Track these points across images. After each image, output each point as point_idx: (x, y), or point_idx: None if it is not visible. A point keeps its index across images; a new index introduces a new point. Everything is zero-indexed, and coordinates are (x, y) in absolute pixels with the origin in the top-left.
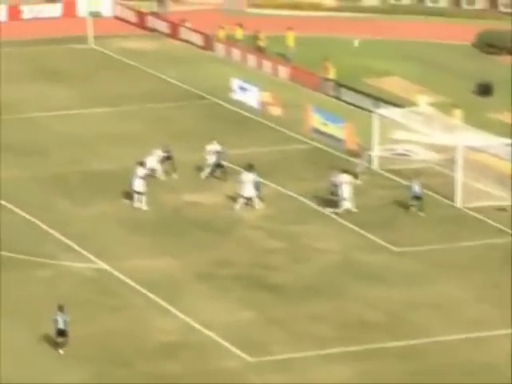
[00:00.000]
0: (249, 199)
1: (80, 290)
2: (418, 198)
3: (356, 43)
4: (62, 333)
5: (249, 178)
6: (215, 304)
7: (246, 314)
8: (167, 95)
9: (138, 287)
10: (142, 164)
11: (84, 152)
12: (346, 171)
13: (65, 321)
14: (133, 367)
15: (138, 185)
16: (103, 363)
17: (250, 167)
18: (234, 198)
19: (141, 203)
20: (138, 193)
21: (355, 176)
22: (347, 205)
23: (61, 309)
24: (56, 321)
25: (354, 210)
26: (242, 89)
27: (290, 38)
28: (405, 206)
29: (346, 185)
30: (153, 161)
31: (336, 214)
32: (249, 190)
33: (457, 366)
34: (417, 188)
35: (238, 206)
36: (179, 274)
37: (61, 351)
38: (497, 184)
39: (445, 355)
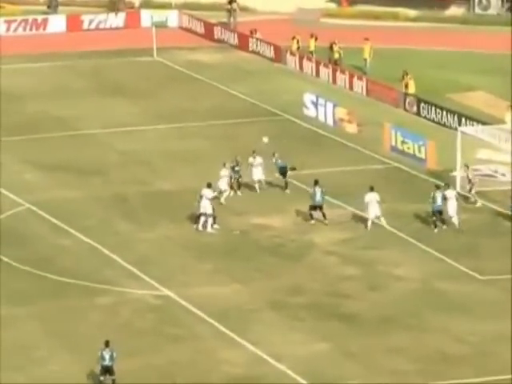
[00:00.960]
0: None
1: (142, 319)
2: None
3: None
4: (107, 370)
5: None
6: (286, 334)
7: (319, 346)
8: (235, 111)
9: (204, 316)
10: (209, 186)
11: (146, 171)
12: (449, 185)
13: (111, 356)
14: None
15: (205, 206)
16: None
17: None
18: (305, 221)
19: (206, 227)
20: (205, 215)
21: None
22: (454, 220)
23: (107, 344)
24: (102, 357)
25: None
26: (316, 104)
27: (367, 50)
28: (490, 230)
29: (451, 200)
30: (223, 183)
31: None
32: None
33: None
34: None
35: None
36: (248, 302)
37: None
38: None
39: None
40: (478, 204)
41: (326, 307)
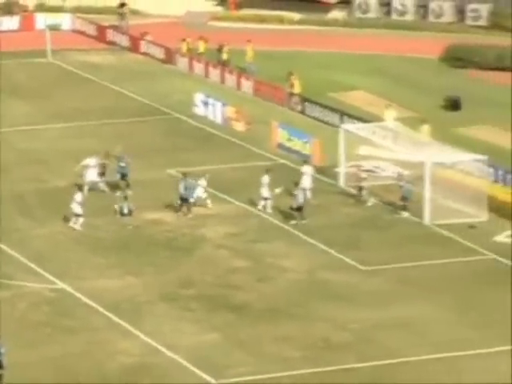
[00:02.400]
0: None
1: (38, 312)
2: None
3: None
4: None
5: (265, 180)
6: (178, 325)
7: (210, 336)
8: (127, 110)
9: (99, 308)
10: (80, 188)
11: (41, 169)
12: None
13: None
14: None
15: (75, 207)
16: None
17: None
18: (197, 216)
19: (76, 224)
20: (77, 215)
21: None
22: (308, 193)
23: None
24: None
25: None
26: (206, 103)
27: (250, 52)
28: (372, 224)
29: (307, 175)
30: (92, 174)
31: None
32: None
33: None
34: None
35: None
36: (140, 294)
37: None
38: (465, 200)
39: (414, 376)
40: (369, 203)
41: (216, 298)
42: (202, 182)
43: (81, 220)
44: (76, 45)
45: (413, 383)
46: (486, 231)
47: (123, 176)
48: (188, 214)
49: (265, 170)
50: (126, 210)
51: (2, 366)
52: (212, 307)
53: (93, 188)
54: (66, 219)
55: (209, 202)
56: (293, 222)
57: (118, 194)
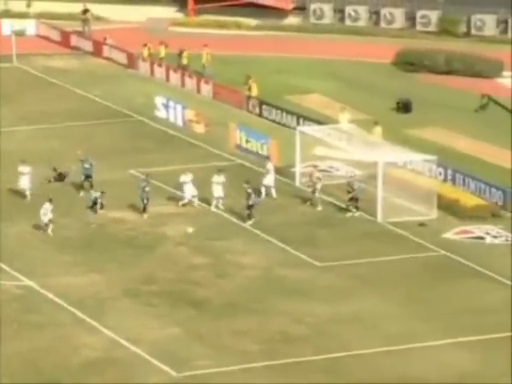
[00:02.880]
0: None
1: (5, 308)
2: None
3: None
4: None
5: (219, 179)
6: (141, 320)
7: (171, 330)
8: (90, 113)
9: (64, 304)
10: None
11: (6, 170)
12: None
13: None
14: None
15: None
16: (27, 381)
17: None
18: (158, 215)
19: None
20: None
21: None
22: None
23: None
24: None
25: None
26: (166, 106)
27: (206, 56)
28: (327, 222)
29: (270, 173)
30: (24, 181)
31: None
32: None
33: (379, 379)
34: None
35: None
36: (104, 291)
37: None
38: (416, 199)
39: (367, 368)
40: (319, 208)
41: (177, 294)
42: (186, 177)
43: (51, 226)
44: (41, 50)
45: (365, 375)
46: (435, 229)
47: (87, 177)
48: (144, 215)
49: (217, 169)
50: (94, 204)
51: None
52: (173, 303)
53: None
54: (35, 219)
55: (196, 200)
56: (249, 221)
57: (82, 194)
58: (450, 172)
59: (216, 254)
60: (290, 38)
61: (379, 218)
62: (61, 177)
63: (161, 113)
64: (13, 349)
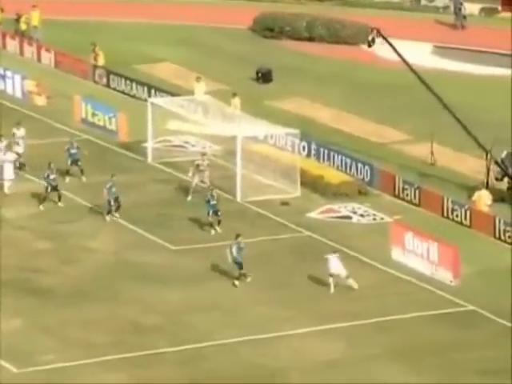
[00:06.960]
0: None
1: None
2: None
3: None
4: None
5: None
6: None
7: (13, 322)
8: None
9: None
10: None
11: None
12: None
13: None
14: None
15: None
16: None
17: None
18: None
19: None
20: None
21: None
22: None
23: None
24: None
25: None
26: (3, 77)
27: (36, 18)
28: (182, 202)
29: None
30: None
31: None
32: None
33: (238, 369)
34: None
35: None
36: None
37: None
38: (278, 176)
39: (226, 359)
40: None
41: (18, 283)
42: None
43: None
44: None
45: (224, 366)
46: (298, 207)
47: (75, 161)
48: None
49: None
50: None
51: None
52: (14, 292)
53: None
54: None
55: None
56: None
57: (67, 180)
58: (313, 146)
59: (61, 239)
60: (139, 2)
61: (238, 198)
62: None
63: None
64: None
